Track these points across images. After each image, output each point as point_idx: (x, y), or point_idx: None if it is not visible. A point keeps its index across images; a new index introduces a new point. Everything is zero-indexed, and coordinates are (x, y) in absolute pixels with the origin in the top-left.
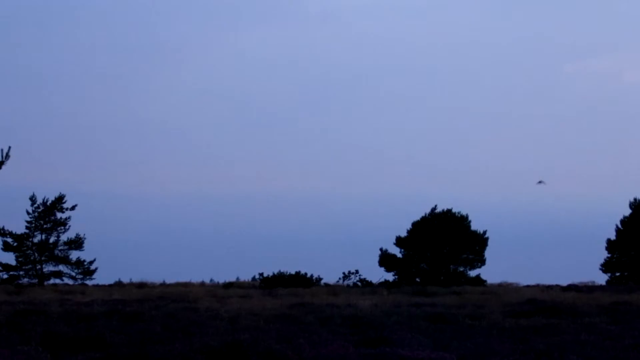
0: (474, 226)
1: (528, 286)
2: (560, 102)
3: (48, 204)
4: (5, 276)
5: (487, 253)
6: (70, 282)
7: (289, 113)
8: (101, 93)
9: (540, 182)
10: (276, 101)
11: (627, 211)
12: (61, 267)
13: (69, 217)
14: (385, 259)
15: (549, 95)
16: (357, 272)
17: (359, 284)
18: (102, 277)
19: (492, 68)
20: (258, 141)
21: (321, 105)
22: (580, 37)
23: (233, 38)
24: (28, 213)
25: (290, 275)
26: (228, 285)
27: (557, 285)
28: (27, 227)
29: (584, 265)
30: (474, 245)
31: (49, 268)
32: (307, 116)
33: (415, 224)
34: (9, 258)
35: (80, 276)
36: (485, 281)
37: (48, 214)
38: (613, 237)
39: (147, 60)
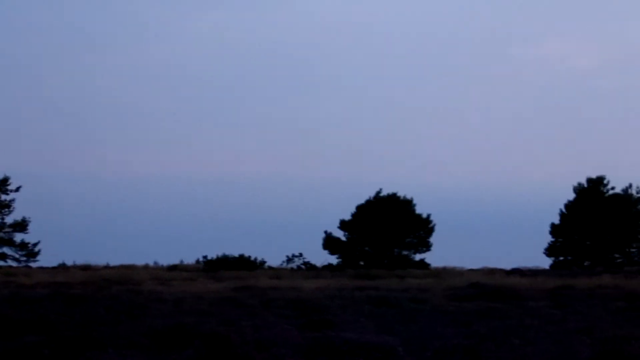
0: (419, 210)
1: (472, 270)
2: (505, 86)
3: None
4: None
5: (432, 237)
6: (14, 264)
7: (237, 96)
8: (47, 73)
9: None
10: (225, 84)
11: (572, 196)
12: (5, 249)
13: (14, 199)
14: (330, 243)
15: (494, 80)
16: (301, 255)
17: (303, 267)
18: (46, 259)
19: (433, 52)
20: (203, 123)
21: (269, 88)
22: (526, 22)
23: (192, 19)
24: None
25: (234, 258)
26: (172, 268)
27: (501, 270)
28: None
29: (528, 250)
30: (418, 229)
31: None
32: (253, 99)
33: (359, 208)
34: None
35: (24, 258)
36: (429, 265)
37: None
38: (557, 222)
39: (97, 39)
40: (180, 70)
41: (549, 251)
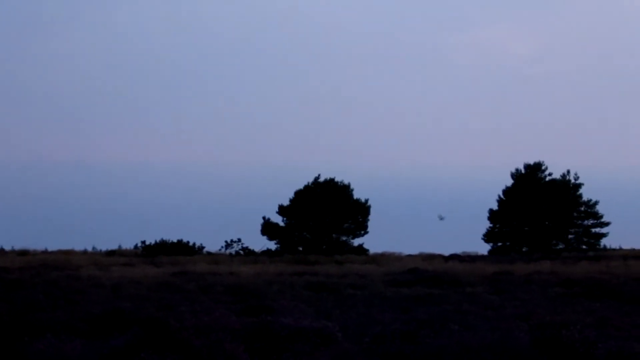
0: (356, 195)
1: (410, 256)
2: (440, 73)
3: None
4: None
5: (370, 223)
6: None
7: (176, 82)
8: None
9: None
10: (166, 69)
11: (509, 181)
12: None
13: None
14: (268, 228)
15: (428, 67)
16: (239, 240)
17: (242, 252)
18: None
19: (367, 41)
20: (140, 109)
21: (209, 74)
22: (463, 8)
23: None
24: None
25: (173, 243)
26: (110, 254)
27: (439, 255)
28: None
29: (467, 236)
30: (356, 214)
31: None
32: (193, 85)
33: (297, 193)
34: None
35: None
36: (367, 250)
37: None
38: (495, 208)
39: (54, 20)
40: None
41: (488, 237)
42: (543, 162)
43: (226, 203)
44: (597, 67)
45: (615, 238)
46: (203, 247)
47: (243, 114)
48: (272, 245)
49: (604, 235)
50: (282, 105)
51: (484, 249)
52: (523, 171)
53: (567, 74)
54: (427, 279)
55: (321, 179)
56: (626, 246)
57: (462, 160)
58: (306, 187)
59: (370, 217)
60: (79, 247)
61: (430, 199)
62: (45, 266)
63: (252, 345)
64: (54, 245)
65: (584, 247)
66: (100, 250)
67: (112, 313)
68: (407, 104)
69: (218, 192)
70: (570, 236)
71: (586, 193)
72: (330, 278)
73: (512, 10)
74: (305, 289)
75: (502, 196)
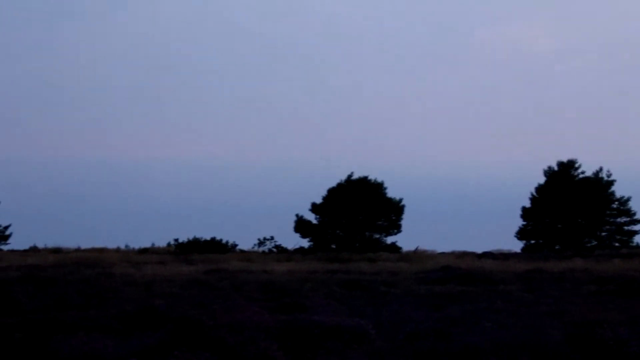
0: (390, 194)
1: (443, 253)
2: (473, 69)
3: None
4: None
5: (403, 220)
6: None
7: (210, 78)
8: (11, 52)
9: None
10: (199, 66)
11: (542, 179)
12: None
13: None
14: (301, 225)
15: (461, 64)
16: (272, 238)
17: (274, 250)
18: (17, 242)
19: (400, 37)
20: (173, 106)
21: (241, 70)
22: (493, 4)
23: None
24: None
25: (206, 241)
26: (143, 251)
27: (472, 253)
28: None
29: (500, 233)
30: (389, 212)
31: None
32: (226, 80)
33: (330, 191)
34: None
35: None
36: (400, 248)
37: None
38: (528, 205)
39: (66, 16)
40: (144, 50)
41: (520, 235)
42: (576, 159)
43: (259, 201)
44: (629, 63)
45: None
46: (236, 245)
47: (276, 110)
48: (305, 242)
49: (636, 232)
50: (316, 101)
51: (516, 246)
52: (556, 169)
53: (599, 70)
54: (460, 276)
55: (354, 177)
56: None
57: (494, 158)
58: (339, 184)
59: (403, 215)
60: (111, 245)
61: (463, 197)
62: (78, 264)
63: (285, 343)
64: (87, 243)
65: (616, 244)
66: (133, 248)
67: (145, 311)
68: (439, 101)
69: (251, 190)
70: (603, 234)
71: (619, 190)
72: (363, 276)
73: (543, 5)
74: (338, 286)
75: (534, 194)
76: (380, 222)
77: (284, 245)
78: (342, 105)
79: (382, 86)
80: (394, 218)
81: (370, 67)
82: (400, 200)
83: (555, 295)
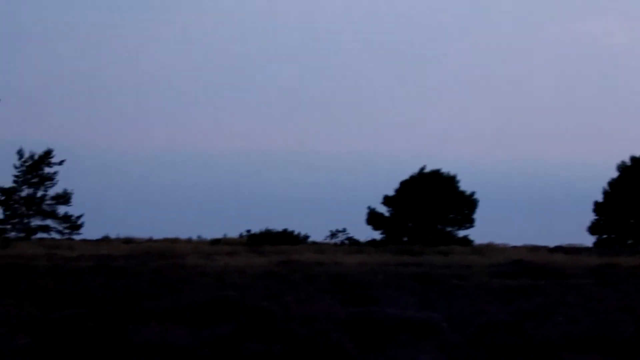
0: (463, 187)
1: (515, 247)
2: (545, 63)
3: (36, 158)
4: None
5: (475, 214)
6: (58, 236)
7: (278, 71)
8: (90, 45)
9: None
10: (270, 62)
11: (615, 173)
12: (49, 222)
13: (57, 172)
14: (373, 218)
15: (534, 57)
16: (344, 230)
17: (346, 242)
18: (90, 232)
19: (471, 29)
20: (247, 98)
21: (312, 63)
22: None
23: None
24: (15, 167)
25: (278, 233)
26: (215, 242)
27: (544, 247)
28: (14, 181)
29: (572, 227)
30: (461, 206)
31: (36, 222)
32: (296, 74)
33: (403, 183)
34: None
35: (67, 231)
36: (472, 241)
37: (36, 168)
38: (600, 200)
39: (142, 11)
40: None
41: (592, 229)
42: None
43: (331, 193)
44: None
45: None
46: (308, 237)
47: (351, 104)
48: (376, 235)
49: None
50: (389, 95)
51: (588, 241)
52: (629, 163)
53: None
54: (532, 270)
55: (426, 170)
56: None
57: (567, 152)
58: (412, 177)
59: (476, 209)
60: (184, 235)
61: (535, 191)
62: (150, 254)
63: (356, 335)
64: (159, 233)
65: None
66: (205, 239)
67: (217, 302)
68: (512, 94)
69: (323, 182)
70: None
71: None
72: (435, 269)
73: (615, 0)
74: (410, 279)
75: (607, 188)
76: (452, 216)
77: (356, 237)
78: (416, 98)
79: (457, 78)
80: (466, 212)
81: (443, 61)
82: (473, 193)
83: (628, 290)
